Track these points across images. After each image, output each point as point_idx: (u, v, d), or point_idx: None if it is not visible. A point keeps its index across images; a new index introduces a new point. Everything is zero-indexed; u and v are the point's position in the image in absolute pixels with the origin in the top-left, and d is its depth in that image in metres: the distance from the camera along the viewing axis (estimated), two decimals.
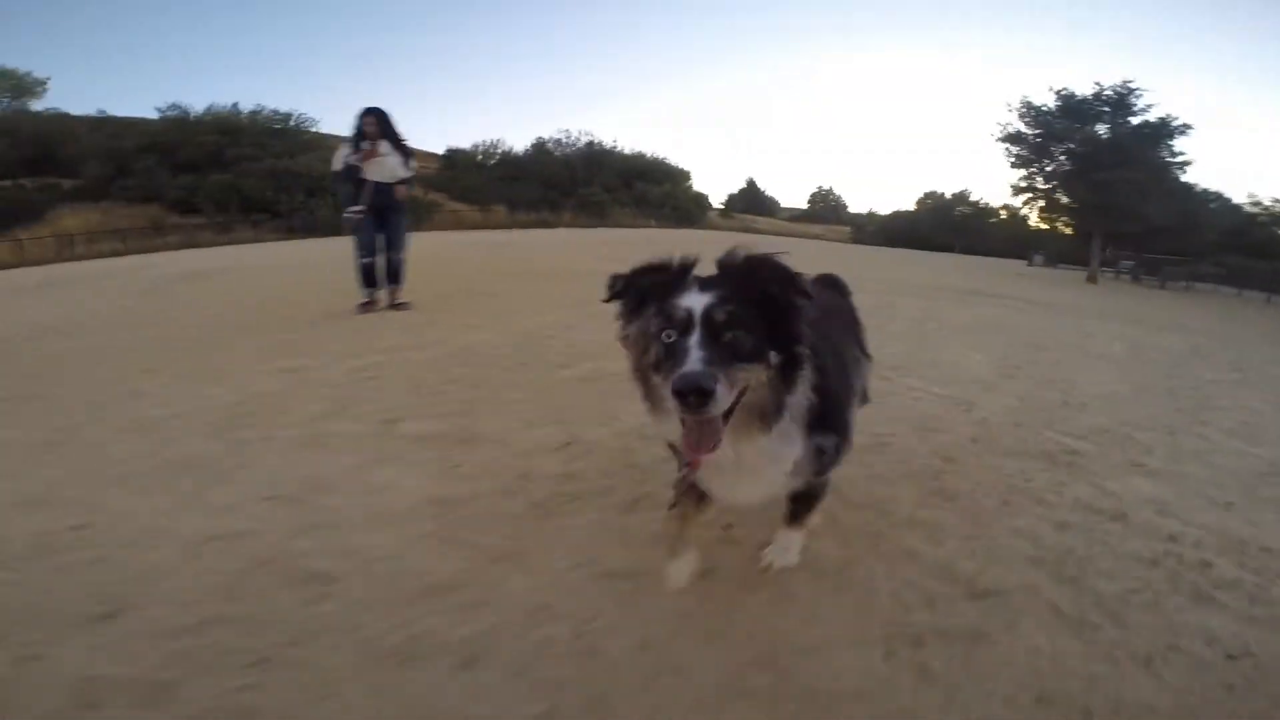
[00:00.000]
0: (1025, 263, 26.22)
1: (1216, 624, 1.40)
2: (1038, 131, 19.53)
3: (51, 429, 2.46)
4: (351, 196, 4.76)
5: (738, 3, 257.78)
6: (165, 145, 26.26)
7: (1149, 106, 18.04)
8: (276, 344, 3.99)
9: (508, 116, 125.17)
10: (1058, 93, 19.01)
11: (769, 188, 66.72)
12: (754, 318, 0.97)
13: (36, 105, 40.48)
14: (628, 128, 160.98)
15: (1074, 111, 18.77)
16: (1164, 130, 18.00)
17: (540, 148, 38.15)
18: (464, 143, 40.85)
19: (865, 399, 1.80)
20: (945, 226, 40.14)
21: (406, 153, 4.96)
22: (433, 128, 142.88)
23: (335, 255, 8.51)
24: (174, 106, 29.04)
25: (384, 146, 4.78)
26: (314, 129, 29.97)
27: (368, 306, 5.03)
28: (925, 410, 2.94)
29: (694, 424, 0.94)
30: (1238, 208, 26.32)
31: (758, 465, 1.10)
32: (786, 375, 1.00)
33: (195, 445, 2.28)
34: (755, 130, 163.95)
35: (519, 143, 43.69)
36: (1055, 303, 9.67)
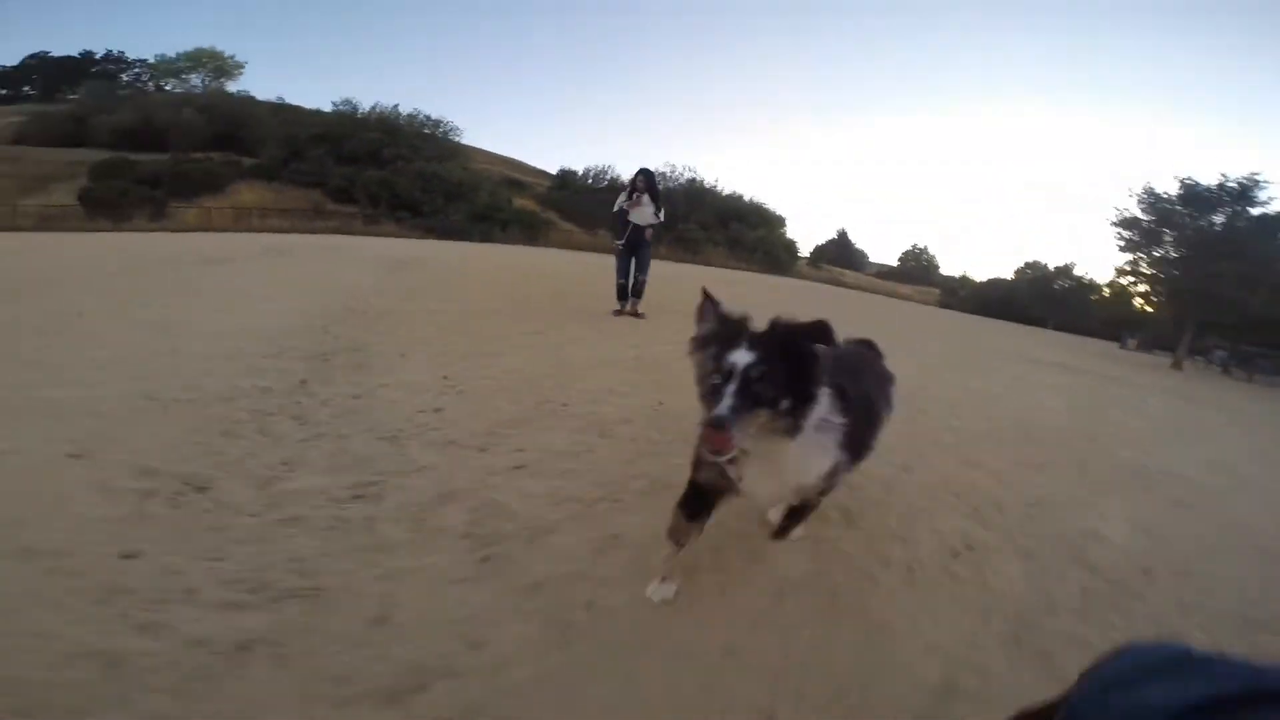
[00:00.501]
0: (1118, 345, 25.00)
1: None
2: (1153, 219, 19.07)
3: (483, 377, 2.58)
4: (620, 233, 6.38)
5: (842, 53, 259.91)
6: (334, 137, 30.04)
7: (1271, 199, 17.45)
8: (587, 328, 5.50)
9: (618, 145, 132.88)
10: (1181, 181, 18.43)
11: (859, 240, 66.36)
12: (779, 372, 1.22)
13: (231, 86, 47.25)
14: (728, 168, 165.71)
15: (1194, 200, 18.23)
16: None
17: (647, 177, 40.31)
18: (574, 164, 43.82)
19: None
20: (1043, 299, 38.69)
21: (659, 205, 6.39)
22: (547, 145, 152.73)
23: (504, 258, 10.25)
24: (346, 102, 33.25)
25: (644, 199, 6.23)
26: (458, 138, 33.44)
27: (619, 313, 6.54)
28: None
29: (709, 442, 1.23)
30: None
31: (784, 469, 1.38)
32: (798, 410, 1.27)
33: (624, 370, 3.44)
34: (852, 181, 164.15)
35: (626, 171, 46.32)
36: (1130, 379, 9.90)
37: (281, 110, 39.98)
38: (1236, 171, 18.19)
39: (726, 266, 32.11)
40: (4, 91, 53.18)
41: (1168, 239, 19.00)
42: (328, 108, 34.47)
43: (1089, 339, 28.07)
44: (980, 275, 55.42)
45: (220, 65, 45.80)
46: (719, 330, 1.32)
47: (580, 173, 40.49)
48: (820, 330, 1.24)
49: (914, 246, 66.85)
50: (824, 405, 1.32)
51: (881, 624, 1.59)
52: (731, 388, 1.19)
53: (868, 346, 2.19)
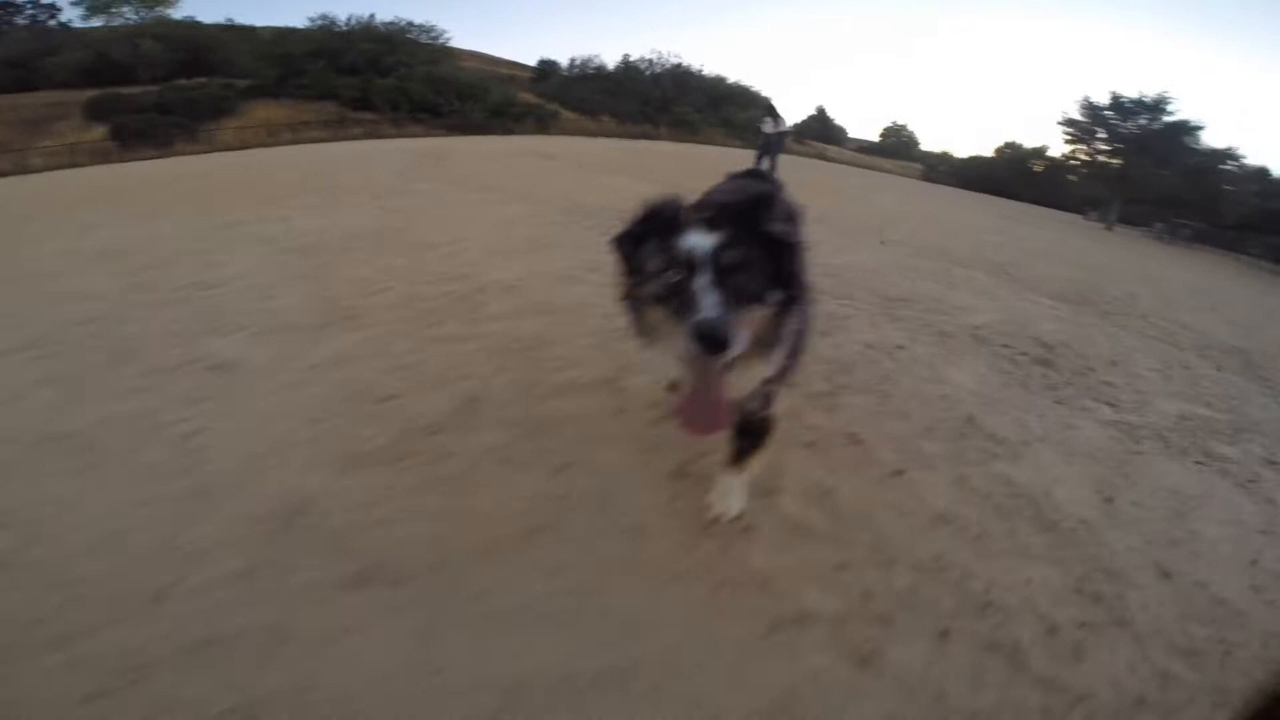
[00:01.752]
0: (1083, 217, 28.57)
1: None
2: (1088, 120, 27.38)
3: None
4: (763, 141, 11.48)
5: None
6: (329, 51, 29.97)
7: (1176, 111, 25.68)
8: None
9: (598, 30, 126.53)
10: (1112, 93, 26.62)
11: (837, 116, 67.50)
12: (759, 258, 0.99)
13: (169, 14, 44.49)
14: (710, 51, 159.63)
15: (1119, 109, 26.45)
16: (1184, 128, 25.43)
17: (631, 66, 40.74)
18: (557, 55, 43.61)
19: None
20: (1020, 177, 41.31)
21: (778, 120, 11.49)
22: (520, 36, 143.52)
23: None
24: (323, 17, 32.59)
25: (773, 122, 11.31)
26: (447, 41, 33.47)
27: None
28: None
29: (701, 385, 0.99)
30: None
31: (745, 374, 1.12)
32: (785, 311, 1.03)
33: None
34: (829, 59, 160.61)
35: (610, 59, 46.12)
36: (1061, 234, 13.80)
37: (249, 32, 38.61)
38: (1156, 89, 27.05)
39: (726, 146, 34.04)
40: None
41: (1100, 136, 27.27)
42: (277, 24, 33.82)
43: (1060, 212, 31.62)
44: (961, 153, 57.57)
45: None
46: (652, 219, 1.07)
47: (565, 64, 40.80)
48: (767, 201, 1.04)
49: (893, 123, 68.28)
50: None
51: None
52: (705, 279, 0.92)
53: (761, 179, 2.01)
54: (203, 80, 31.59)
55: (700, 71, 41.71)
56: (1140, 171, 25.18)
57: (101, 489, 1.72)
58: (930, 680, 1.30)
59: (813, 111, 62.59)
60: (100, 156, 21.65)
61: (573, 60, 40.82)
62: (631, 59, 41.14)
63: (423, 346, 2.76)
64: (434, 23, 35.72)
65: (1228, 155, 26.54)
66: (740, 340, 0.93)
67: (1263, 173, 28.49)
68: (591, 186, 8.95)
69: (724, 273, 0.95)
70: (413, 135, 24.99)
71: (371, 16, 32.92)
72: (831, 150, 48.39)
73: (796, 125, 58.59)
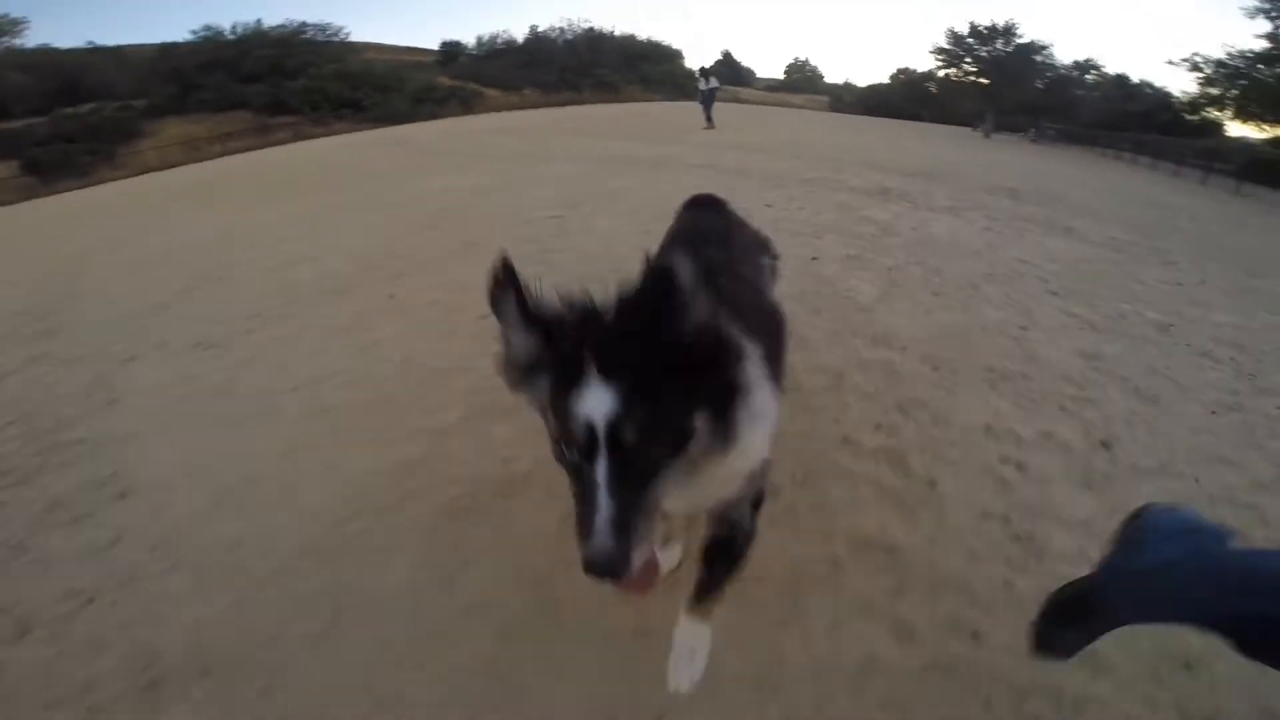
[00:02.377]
0: (971, 129, 31.89)
1: None
2: (953, 47, 33.55)
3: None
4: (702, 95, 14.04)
5: None
6: (224, 61, 28.80)
7: (1022, 36, 31.40)
8: (695, 139, 10.34)
9: (498, 4, 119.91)
10: (970, 23, 32.58)
11: (745, 60, 69.28)
12: (669, 392, 0.71)
13: (22, 43, 40.36)
14: (618, 11, 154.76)
15: (977, 35, 32.41)
16: (1033, 48, 31.52)
17: (541, 36, 40.83)
18: (459, 35, 42.90)
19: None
20: (918, 99, 44.57)
21: (710, 81, 14.23)
22: (422, 20, 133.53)
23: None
24: (207, 28, 31.10)
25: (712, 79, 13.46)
26: (347, 38, 32.71)
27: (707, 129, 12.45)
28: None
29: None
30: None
31: (725, 469, 0.85)
32: (725, 415, 0.77)
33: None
34: (729, 6, 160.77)
35: (518, 32, 45.65)
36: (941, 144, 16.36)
37: (98, 52, 35.66)
38: (1007, 16, 32.74)
39: (646, 101, 35.31)
40: None
41: (966, 61, 33.23)
42: (143, 42, 31.94)
43: (955, 127, 35.06)
44: (861, 82, 60.55)
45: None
46: (542, 340, 0.75)
47: (472, 43, 40.54)
48: (670, 281, 0.69)
49: (795, 59, 70.59)
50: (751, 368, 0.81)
51: None
52: (601, 472, 0.68)
53: (714, 210, 1.75)
54: (92, 105, 29.58)
55: (613, 33, 42.43)
56: (1001, 88, 30.71)
57: None
58: None
59: (718, 57, 64.14)
60: (23, 193, 20.50)
61: (479, 38, 40.58)
62: (540, 29, 41.23)
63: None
64: (327, 20, 34.41)
65: (1090, 66, 31.99)
66: (641, 555, 0.70)
67: (1122, 79, 32.81)
68: (578, 146, 10.67)
69: (627, 455, 0.69)
70: (339, 132, 24.91)
71: (259, 21, 31.67)
72: (744, 92, 50.25)
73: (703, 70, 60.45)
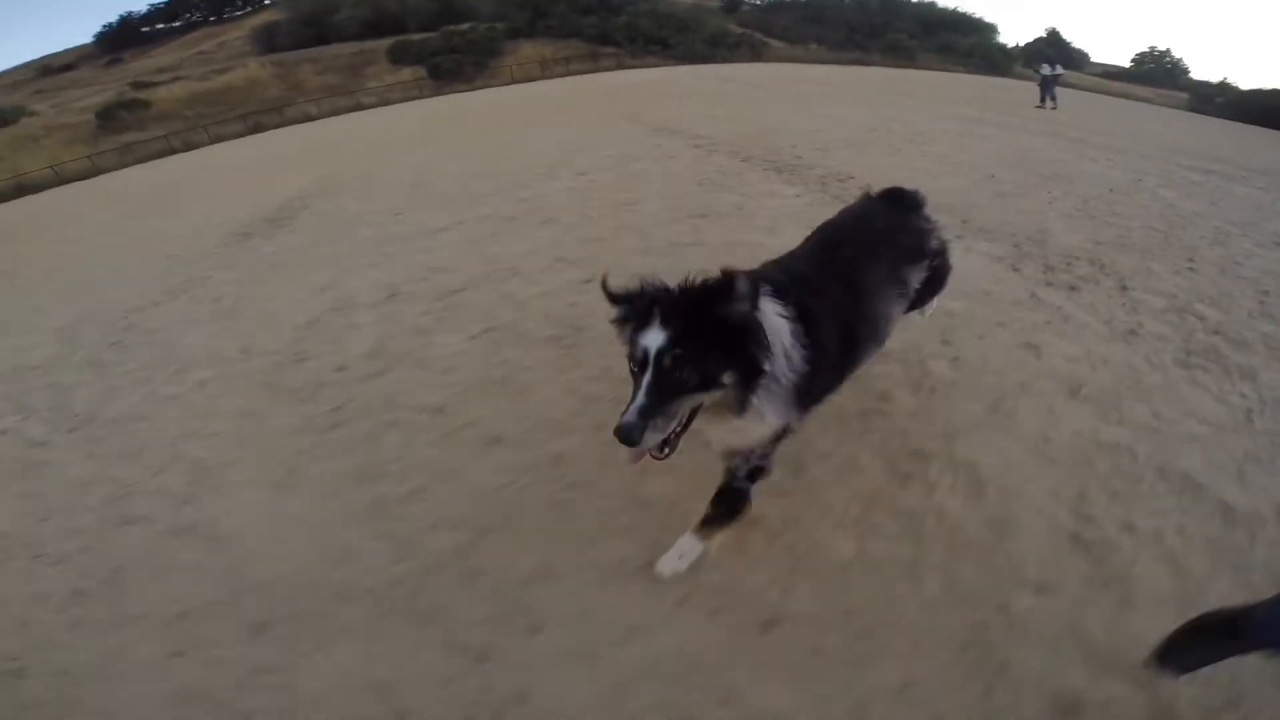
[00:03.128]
0: None
1: None
2: None
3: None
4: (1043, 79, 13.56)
5: None
6: None
7: None
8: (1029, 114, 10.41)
9: None
10: None
11: (1076, 40, 57.61)
12: (705, 349, 1.10)
13: None
14: None
15: None
16: None
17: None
18: None
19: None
20: None
21: (1055, 68, 13.52)
22: None
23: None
24: None
25: (1051, 67, 13.22)
26: None
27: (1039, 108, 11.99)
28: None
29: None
30: None
31: (740, 426, 1.29)
32: (747, 383, 1.16)
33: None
34: None
35: None
36: None
37: None
38: None
39: (943, 71, 32.53)
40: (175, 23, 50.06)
41: None
42: None
43: None
44: (1245, 84, 46.49)
45: None
46: (631, 305, 1.21)
47: None
48: (729, 286, 1.09)
49: (1152, 49, 57.01)
50: (780, 355, 1.19)
51: None
52: (646, 379, 1.09)
53: (893, 207, 1.78)
54: (467, 25, 37.59)
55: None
56: None
57: None
58: None
59: (1042, 34, 54.37)
60: (416, 91, 27.51)
61: None
62: None
63: None
64: None
65: None
66: (654, 439, 1.08)
67: None
68: (918, 104, 11.66)
69: (664, 373, 1.08)
70: (650, 66, 28.13)
71: None
72: (1068, 75, 42.65)
73: (1022, 48, 51.64)
